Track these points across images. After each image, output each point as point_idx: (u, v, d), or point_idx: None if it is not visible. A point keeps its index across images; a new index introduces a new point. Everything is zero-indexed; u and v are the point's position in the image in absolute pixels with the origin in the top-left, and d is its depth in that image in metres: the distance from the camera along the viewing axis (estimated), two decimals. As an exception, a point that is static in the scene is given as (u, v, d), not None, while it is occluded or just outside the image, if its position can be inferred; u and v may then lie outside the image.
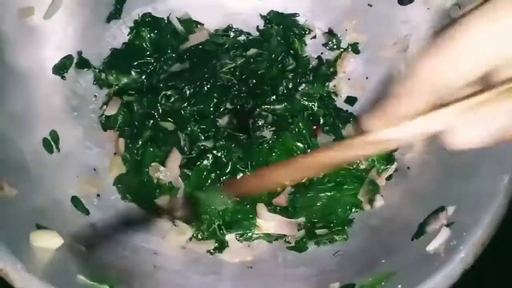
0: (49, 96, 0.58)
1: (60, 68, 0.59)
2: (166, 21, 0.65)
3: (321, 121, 0.62)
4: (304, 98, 0.62)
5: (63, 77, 0.59)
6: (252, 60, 0.64)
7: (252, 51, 0.64)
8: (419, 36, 0.60)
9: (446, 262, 0.42)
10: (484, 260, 0.42)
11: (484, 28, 0.27)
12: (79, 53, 0.61)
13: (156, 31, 0.64)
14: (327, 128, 0.61)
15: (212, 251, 0.55)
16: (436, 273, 0.41)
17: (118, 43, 0.64)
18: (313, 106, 0.62)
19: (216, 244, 0.56)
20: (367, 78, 0.64)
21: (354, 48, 0.65)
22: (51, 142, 0.56)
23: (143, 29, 0.64)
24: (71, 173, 0.56)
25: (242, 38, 0.66)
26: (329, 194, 0.56)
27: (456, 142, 0.30)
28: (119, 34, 0.64)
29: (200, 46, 0.64)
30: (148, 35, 0.64)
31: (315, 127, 0.60)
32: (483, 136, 0.29)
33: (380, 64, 0.63)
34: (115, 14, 0.63)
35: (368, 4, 0.63)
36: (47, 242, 0.45)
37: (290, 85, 0.63)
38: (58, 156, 0.56)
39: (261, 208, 0.56)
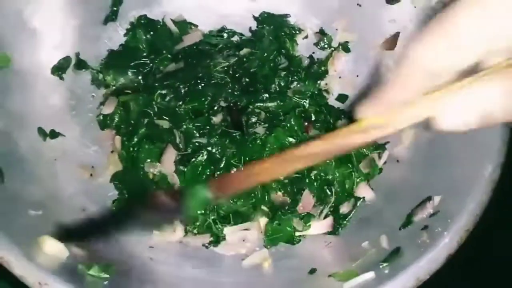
0: (48, 95, 0.60)
1: (59, 69, 0.61)
2: (161, 23, 0.67)
3: (313, 117, 0.63)
4: (296, 96, 0.64)
5: (61, 78, 0.61)
6: (245, 59, 0.65)
7: (244, 50, 0.66)
8: (407, 34, 0.62)
9: (430, 248, 0.43)
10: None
11: (474, 15, 0.28)
12: (77, 54, 0.62)
13: (151, 33, 0.66)
14: (318, 124, 0.63)
15: (207, 244, 0.57)
16: (420, 258, 0.43)
17: (115, 44, 0.66)
18: (304, 103, 0.64)
19: (211, 238, 0.57)
20: (357, 76, 0.66)
21: (345, 47, 0.67)
22: (49, 140, 0.57)
23: (139, 30, 0.66)
24: (69, 170, 0.57)
25: (235, 38, 0.68)
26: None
27: (443, 125, 0.31)
28: (116, 35, 0.66)
29: (194, 47, 0.66)
30: (144, 37, 0.66)
31: (306, 123, 0.62)
32: (469, 120, 0.30)
33: (370, 62, 0.65)
34: (112, 16, 0.65)
35: (357, 4, 0.65)
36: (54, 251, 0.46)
37: (282, 83, 0.64)
38: (56, 153, 0.57)
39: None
